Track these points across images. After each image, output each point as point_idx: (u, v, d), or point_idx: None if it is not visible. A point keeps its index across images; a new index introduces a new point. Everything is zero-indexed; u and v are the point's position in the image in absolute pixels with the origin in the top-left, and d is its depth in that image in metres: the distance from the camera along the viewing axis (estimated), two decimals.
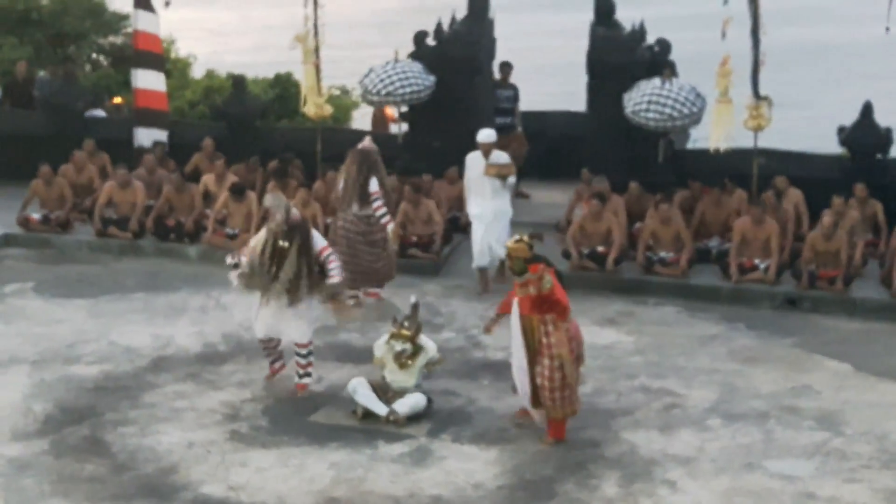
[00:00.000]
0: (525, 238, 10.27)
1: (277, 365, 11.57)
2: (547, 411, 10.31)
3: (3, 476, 9.68)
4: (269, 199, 11.15)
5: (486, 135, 14.03)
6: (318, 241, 11.18)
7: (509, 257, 10.25)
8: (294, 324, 11.13)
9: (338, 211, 13.73)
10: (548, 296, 10.03)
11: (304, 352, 11.22)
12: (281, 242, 10.92)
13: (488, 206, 13.99)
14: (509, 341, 12.49)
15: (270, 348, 11.48)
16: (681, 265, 14.33)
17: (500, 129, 17.57)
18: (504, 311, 10.69)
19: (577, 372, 10.26)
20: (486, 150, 13.96)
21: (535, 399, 10.32)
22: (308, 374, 11.29)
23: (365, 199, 13.35)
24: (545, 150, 17.96)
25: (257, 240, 11.21)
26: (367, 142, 13.63)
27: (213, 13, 51.10)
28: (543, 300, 10.06)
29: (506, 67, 18.11)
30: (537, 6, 50.40)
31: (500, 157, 14.08)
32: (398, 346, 10.81)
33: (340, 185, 13.69)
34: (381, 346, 10.99)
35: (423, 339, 11.00)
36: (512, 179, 14.24)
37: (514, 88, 18.05)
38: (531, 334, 10.17)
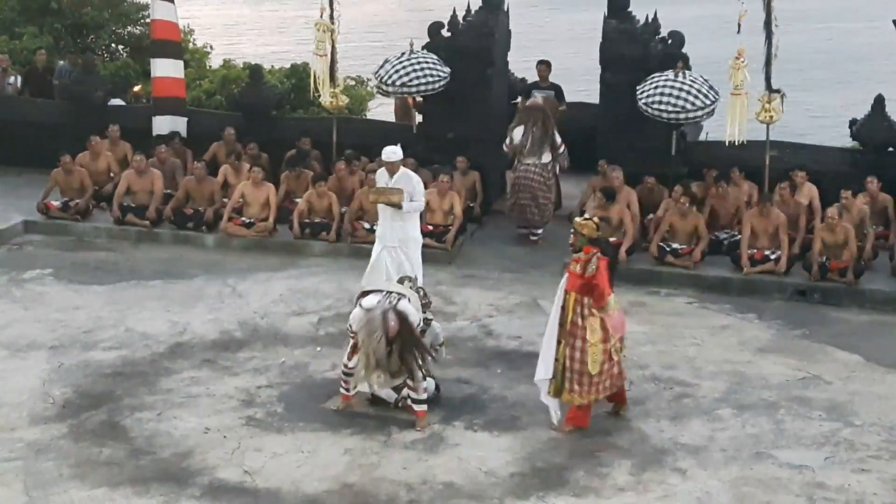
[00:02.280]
0: (595, 219, 10.55)
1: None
2: (572, 399, 10.41)
3: (22, 459, 9.84)
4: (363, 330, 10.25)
5: (389, 152, 12.57)
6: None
7: (575, 232, 10.40)
8: None
9: (517, 163, 15.66)
10: (590, 278, 10.23)
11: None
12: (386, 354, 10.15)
13: (387, 229, 12.53)
14: (522, 330, 12.69)
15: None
16: (694, 257, 14.39)
17: None
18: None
19: (603, 365, 10.32)
20: (390, 169, 12.56)
21: (555, 385, 10.44)
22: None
23: (553, 149, 15.46)
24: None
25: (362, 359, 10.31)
26: (538, 99, 15.47)
27: (227, 10, 51.20)
28: (586, 282, 10.24)
29: (540, 66, 17.59)
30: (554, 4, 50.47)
31: (404, 179, 12.54)
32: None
33: (517, 138, 15.45)
34: None
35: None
36: (416, 204, 12.58)
37: (555, 88, 17.50)
38: (567, 313, 10.33)
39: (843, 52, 41.73)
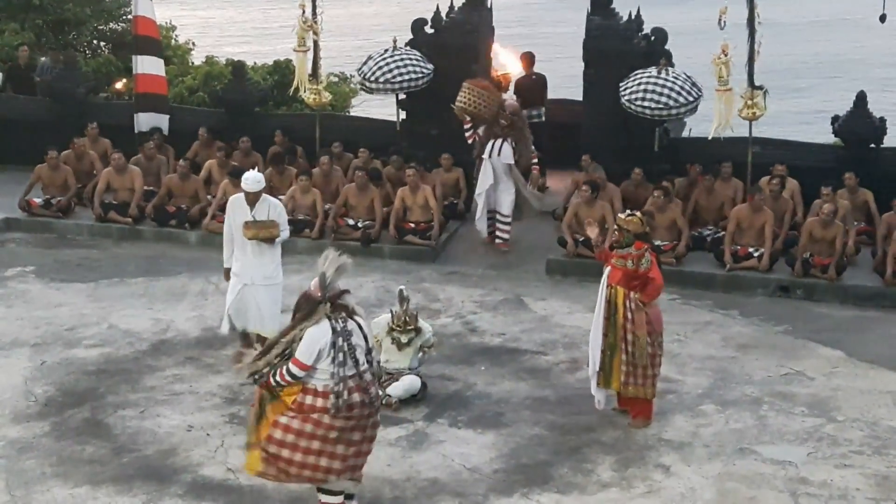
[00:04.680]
0: (638, 214, 10.49)
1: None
2: (628, 392, 10.44)
3: (4, 458, 9.80)
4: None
5: (252, 181, 11.19)
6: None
7: (620, 229, 10.34)
8: None
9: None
10: (644, 274, 10.22)
11: None
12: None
13: (249, 266, 11.25)
14: (506, 327, 12.70)
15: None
16: (678, 251, 14.40)
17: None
18: (601, 259, 10.76)
19: (651, 356, 10.35)
20: (251, 199, 11.21)
21: (604, 376, 10.46)
22: None
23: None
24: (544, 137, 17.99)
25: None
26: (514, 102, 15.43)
27: (210, 12, 51.26)
28: (636, 276, 10.23)
29: (522, 59, 17.78)
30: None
31: (268, 207, 11.30)
32: (404, 339, 10.92)
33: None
34: (382, 326, 11.02)
35: (421, 321, 11.09)
36: (286, 234, 11.43)
37: (540, 77, 17.77)
38: (615, 307, 10.32)
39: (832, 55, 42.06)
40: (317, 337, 8.28)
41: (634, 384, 10.40)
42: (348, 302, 8.43)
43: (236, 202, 11.33)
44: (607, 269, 10.47)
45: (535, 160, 15.34)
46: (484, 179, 15.22)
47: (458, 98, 15.08)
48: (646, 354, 10.31)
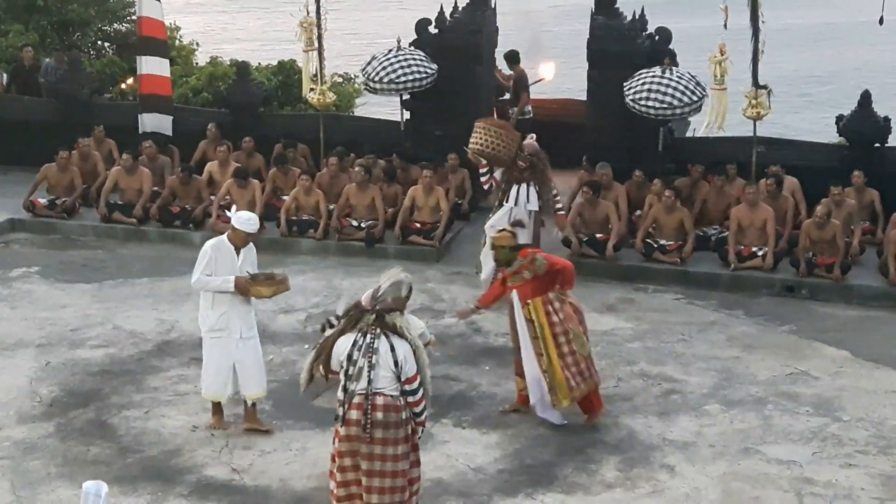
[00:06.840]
0: (507, 227, 10.43)
1: None
2: (581, 391, 10.35)
3: (9, 458, 9.82)
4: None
5: (252, 222, 10.11)
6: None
7: (494, 248, 10.34)
8: None
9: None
10: (547, 272, 10.16)
11: None
12: None
13: (236, 316, 10.13)
14: (510, 327, 12.66)
15: None
16: (685, 252, 14.39)
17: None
18: (484, 304, 10.73)
19: (587, 343, 10.33)
20: (242, 242, 10.11)
21: (553, 396, 10.33)
22: None
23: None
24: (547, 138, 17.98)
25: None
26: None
27: (212, 17, 51.29)
28: (545, 277, 10.18)
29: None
30: None
31: (253, 253, 10.31)
32: None
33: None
34: None
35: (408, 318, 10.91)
36: None
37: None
38: (537, 323, 10.24)
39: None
40: (342, 347, 8.22)
41: (583, 380, 10.32)
42: (396, 320, 8.18)
43: (218, 246, 10.07)
44: (514, 294, 10.31)
45: (559, 205, 13.88)
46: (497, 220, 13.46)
47: (473, 140, 13.55)
48: (585, 345, 10.25)
